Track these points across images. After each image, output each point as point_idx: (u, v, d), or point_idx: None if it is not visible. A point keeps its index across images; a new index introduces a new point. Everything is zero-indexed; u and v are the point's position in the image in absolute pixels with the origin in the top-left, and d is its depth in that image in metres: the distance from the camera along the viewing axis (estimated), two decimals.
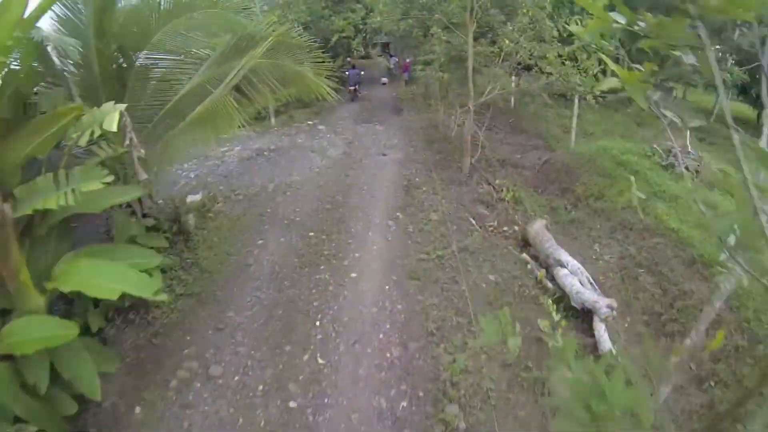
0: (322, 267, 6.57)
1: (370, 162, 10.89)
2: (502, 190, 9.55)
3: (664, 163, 10.90)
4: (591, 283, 6.38)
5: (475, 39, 9.61)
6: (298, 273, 6.49)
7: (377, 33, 16.18)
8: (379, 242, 7.17)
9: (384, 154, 11.45)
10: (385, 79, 23.05)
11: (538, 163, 12.23)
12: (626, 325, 7.57)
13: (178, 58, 6.86)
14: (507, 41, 9.27)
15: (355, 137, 13.16)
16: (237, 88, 6.22)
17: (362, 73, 19.51)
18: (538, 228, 7.41)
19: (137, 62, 6.54)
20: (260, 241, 7.42)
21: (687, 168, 10.65)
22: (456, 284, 6.23)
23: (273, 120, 14.72)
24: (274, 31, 6.08)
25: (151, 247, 6.40)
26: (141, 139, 7.09)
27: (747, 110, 23.10)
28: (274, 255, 6.99)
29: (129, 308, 5.62)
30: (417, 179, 9.63)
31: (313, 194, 8.95)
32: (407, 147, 12.10)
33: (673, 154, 11.06)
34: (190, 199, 9.18)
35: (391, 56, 25.45)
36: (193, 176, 10.61)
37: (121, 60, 6.66)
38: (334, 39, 16.07)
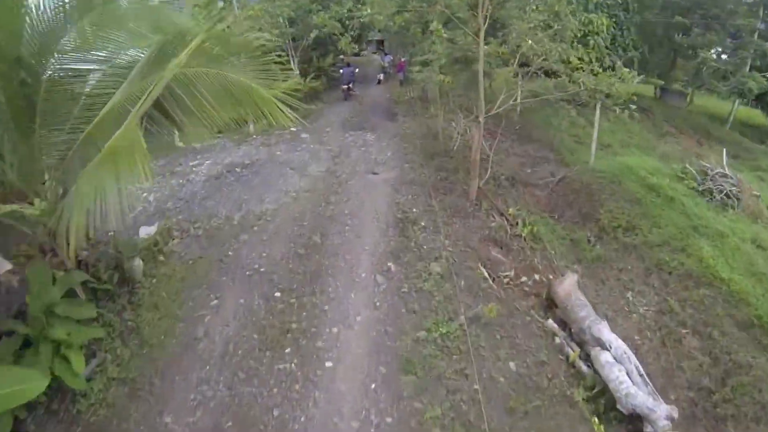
0: (287, 350, 4.96)
1: (358, 183, 9.21)
2: (516, 223, 7.97)
3: (700, 188, 9.33)
4: (641, 376, 4.84)
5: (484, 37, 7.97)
6: (257, 359, 4.89)
7: (370, 29, 14.42)
8: (365, 310, 5.53)
9: (374, 173, 9.78)
10: (380, 76, 21.84)
11: (552, 180, 10.69)
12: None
13: (99, 68, 5.22)
14: (529, 41, 7.59)
15: (342, 149, 11.47)
16: (161, 108, 4.60)
17: (356, 71, 18.26)
18: (569, 287, 5.84)
19: (44, 76, 4.92)
20: (215, 301, 5.84)
21: (728, 195, 9.09)
22: (465, 380, 4.64)
23: (252, 126, 12.97)
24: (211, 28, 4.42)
25: (77, 320, 4.92)
26: (61, 171, 5.54)
27: (760, 117, 22.23)
28: (229, 326, 5.39)
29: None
30: (414, 210, 7.97)
31: (286, 231, 7.30)
32: (402, 163, 10.41)
33: (710, 177, 9.51)
34: (143, 232, 7.62)
35: (385, 54, 24.08)
36: (152, 199, 9.00)
37: (24, 74, 5.01)
38: (312, 36, 14.34)
